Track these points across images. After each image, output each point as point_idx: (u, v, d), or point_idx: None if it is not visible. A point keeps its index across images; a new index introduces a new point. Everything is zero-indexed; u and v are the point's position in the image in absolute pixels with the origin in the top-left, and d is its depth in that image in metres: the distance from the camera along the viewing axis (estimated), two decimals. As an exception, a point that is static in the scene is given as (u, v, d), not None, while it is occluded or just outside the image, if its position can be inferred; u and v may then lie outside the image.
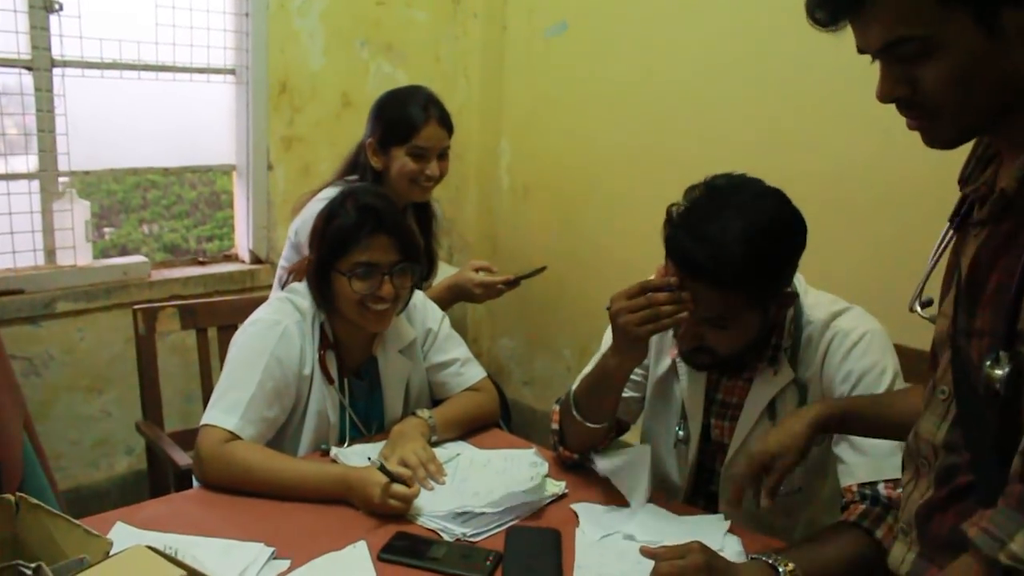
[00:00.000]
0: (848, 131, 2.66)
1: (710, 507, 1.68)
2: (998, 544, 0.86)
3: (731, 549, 1.45)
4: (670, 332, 1.67)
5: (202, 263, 3.25)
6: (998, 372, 0.93)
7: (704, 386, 1.68)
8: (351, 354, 1.88)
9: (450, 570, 1.37)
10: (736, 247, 1.39)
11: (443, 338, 1.99)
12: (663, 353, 1.74)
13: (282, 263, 2.40)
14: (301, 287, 1.86)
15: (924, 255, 1.17)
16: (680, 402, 1.71)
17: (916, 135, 1.02)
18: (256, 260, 3.31)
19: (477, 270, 2.51)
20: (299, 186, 3.00)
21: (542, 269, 2.49)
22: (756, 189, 1.48)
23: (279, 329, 1.76)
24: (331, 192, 2.30)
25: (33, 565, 0.83)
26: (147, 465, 2.32)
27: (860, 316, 1.59)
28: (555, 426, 1.76)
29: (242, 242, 3.34)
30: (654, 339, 1.72)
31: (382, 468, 1.56)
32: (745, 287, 1.43)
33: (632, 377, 1.72)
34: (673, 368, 1.72)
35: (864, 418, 1.39)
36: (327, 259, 1.76)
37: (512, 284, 2.49)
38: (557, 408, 1.76)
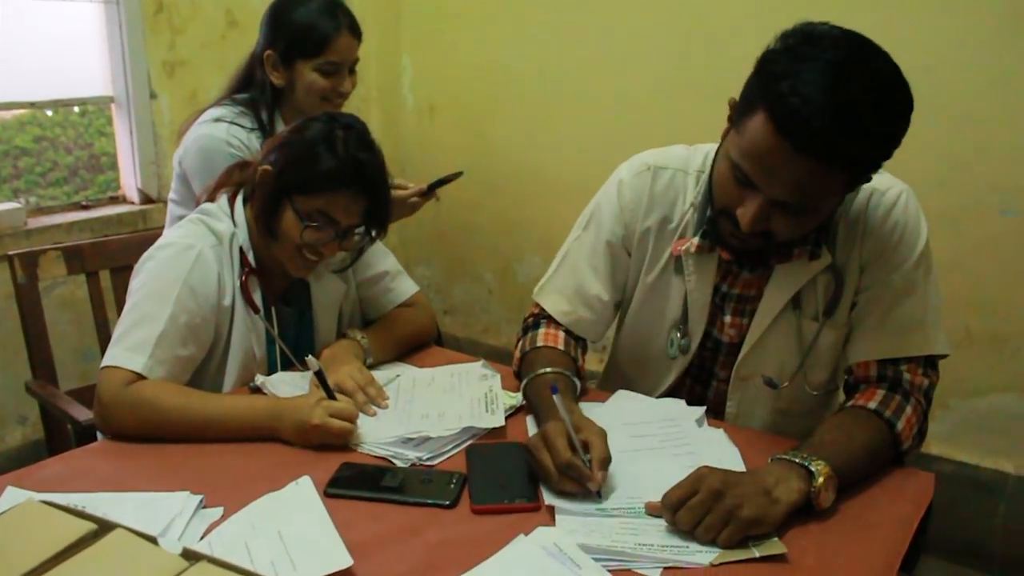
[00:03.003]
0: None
1: None
2: None
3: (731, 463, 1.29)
4: (669, 225, 1.50)
5: (85, 207, 2.95)
6: None
7: (712, 282, 1.48)
8: (276, 279, 1.66)
9: (411, 498, 1.20)
10: (869, 119, 1.13)
11: (369, 251, 1.78)
12: (659, 255, 1.52)
13: (172, 196, 2.18)
14: (215, 207, 1.62)
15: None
16: (682, 303, 1.51)
17: None
18: (147, 200, 3.02)
19: None
20: (187, 115, 2.72)
21: (459, 174, 2.27)
22: (872, 47, 1.18)
23: (192, 254, 1.52)
24: (217, 113, 2.07)
25: None
26: (43, 432, 2.07)
27: (890, 176, 1.41)
28: (515, 367, 1.59)
29: (129, 181, 3.04)
30: (645, 246, 1.53)
31: (319, 374, 1.38)
32: (858, 164, 1.19)
33: (601, 296, 1.57)
34: (676, 265, 1.50)
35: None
36: (287, 185, 1.53)
37: (427, 194, 2.25)
38: (518, 352, 1.59)
